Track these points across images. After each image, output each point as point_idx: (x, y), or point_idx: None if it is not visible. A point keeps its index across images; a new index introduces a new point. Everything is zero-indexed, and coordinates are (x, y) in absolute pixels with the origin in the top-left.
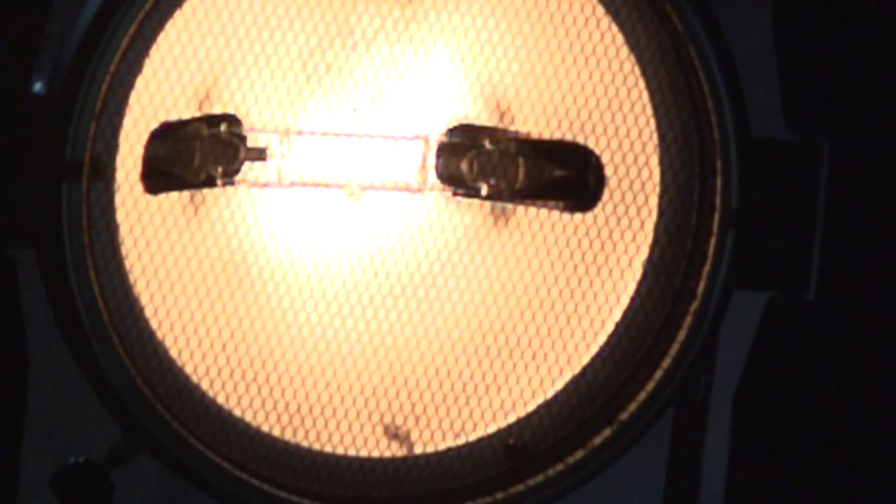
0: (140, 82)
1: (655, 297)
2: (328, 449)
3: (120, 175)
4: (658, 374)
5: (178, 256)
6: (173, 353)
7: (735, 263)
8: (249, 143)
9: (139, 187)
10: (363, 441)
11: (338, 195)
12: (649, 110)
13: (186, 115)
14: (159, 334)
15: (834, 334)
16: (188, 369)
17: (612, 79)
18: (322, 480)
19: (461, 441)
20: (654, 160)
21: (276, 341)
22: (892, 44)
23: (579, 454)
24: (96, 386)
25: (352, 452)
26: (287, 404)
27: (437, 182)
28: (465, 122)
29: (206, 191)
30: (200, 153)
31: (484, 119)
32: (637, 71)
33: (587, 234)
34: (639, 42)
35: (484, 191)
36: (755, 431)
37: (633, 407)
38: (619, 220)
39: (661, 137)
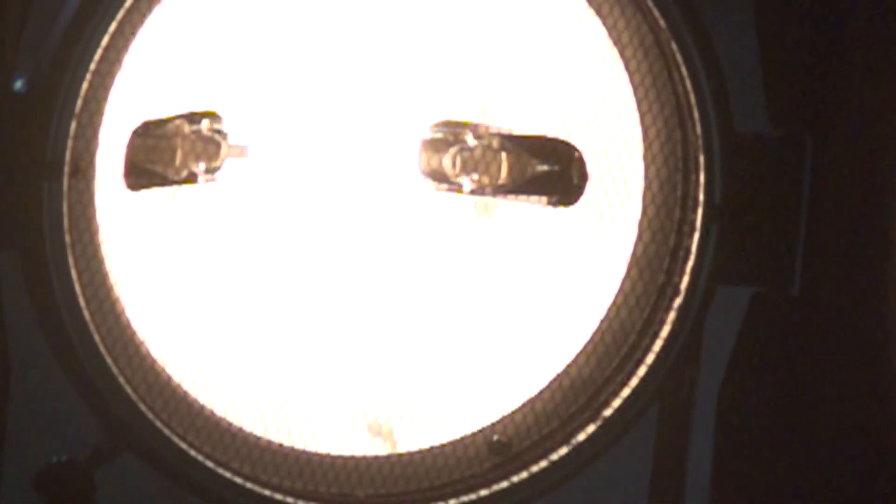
0: (121, 80)
1: (639, 293)
2: (311, 447)
3: (101, 174)
4: (642, 370)
5: (160, 255)
6: (155, 352)
7: (719, 259)
8: (231, 141)
9: (120, 186)
10: (346, 439)
11: (319, 191)
12: (632, 105)
13: (168, 113)
14: (141, 334)
15: (818, 329)
16: (170, 368)
17: (594, 74)
18: (305, 478)
19: (445, 438)
20: (638, 155)
21: (258, 339)
22: (876, 39)
23: (563, 450)
24: (78, 385)
25: (335, 450)
26: (269, 402)
27: (421, 177)
28: (447, 117)
29: (187, 188)
30: (182, 150)
31: (467, 114)
32: (620, 66)
33: (570, 229)
34: (621, 37)
35: (467, 186)
36: (740, 427)
37: (617, 403)
38: (602, 215)
39: (645, 133)
